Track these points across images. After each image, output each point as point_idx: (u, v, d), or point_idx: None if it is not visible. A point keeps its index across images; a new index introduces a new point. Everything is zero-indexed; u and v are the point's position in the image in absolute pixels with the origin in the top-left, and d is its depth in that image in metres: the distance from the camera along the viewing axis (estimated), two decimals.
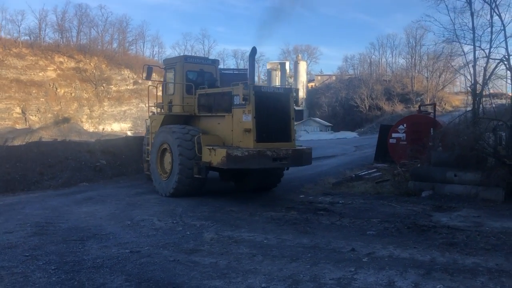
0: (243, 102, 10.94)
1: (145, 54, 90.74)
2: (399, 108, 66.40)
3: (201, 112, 12.65)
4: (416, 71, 76.46)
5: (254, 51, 11.87)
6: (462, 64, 14.54)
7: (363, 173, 15.39)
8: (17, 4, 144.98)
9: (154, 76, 20.61)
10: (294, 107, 11.89)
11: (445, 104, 63.70)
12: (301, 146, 12.15)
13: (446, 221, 9.01)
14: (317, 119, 72.73)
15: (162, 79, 14.73)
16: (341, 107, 78.22)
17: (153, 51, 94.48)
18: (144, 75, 13.29)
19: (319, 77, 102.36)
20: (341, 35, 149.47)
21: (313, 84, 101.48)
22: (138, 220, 8.50)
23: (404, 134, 17.44)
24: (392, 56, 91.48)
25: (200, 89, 12.78)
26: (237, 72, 21.13)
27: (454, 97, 68.89)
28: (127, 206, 9.88)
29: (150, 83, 14.41)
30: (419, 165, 12.86)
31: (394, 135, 17.78)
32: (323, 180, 14.73)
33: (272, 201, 11.05)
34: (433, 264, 6.16)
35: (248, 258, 6.31)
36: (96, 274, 5.47)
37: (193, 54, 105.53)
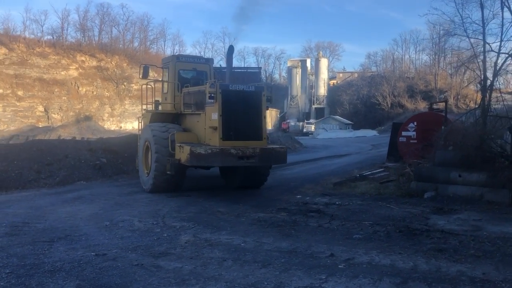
0: (211, 101, 11.15)
1: (166, 53, 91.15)
2: (422, 105, 65.00)
3: (186, 110, 12.81)
4: (439, 67, 74.71)
5: (231, 49, 12.00)
6: (470, 59, 13.78)
7: (368, 173, 14.89)
8: (41, 4, 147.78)
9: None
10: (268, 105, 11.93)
11: (469, 102, 62.08)
12: (275, 145, 11.98)
13: (442, 225, 8.52)
14: (337, 117, 71.86)
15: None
16: (363, 104, 77.24)
17: (173, 49, 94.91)
18: (141, 74, 13.40)
19: (340, 75, 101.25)
20: (365, 31, 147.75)
21: (334, 81, 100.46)
22: (118, 220, 8.29)
23: (414, 133, 16.87)
24: (416, 52, 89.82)
25: (184, 87, 12.87)
26: (250, 70, 21.01)
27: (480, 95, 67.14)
28: (114, 206, 9.69)
29: (145, 82, 14.21)
30: (424, 165, 12.33)
31: (404, 133, 17.22)
32: (326, 180, 14.29)
33: (265, 202, 10.71)
34: (413, 272, 5.74)
35: (216, 263, 6.00)
36: (50, 278, 5.24)
37: (213, 52, 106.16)
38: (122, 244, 6.84)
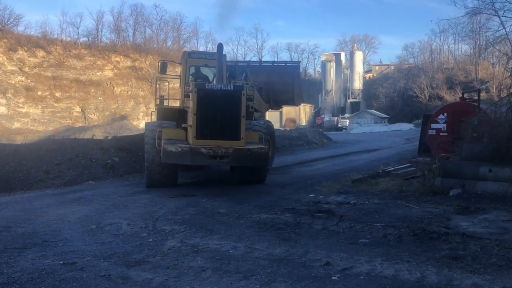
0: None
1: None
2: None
3: (185, 106, 12.72)
4: (481, 57, 71.44)
5: (220, 47, 12.14)
6: (500, 40, 12.50)
7: (392, 168, 13.88)
8: (76, 7, 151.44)
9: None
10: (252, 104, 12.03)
11: None
12: (254, 145, 11.60)
13: (465, 227, 7.56)
14: (372, 111, 70.06)
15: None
16: (400, 97, 75.04)
17: (206, 47, 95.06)
18: (159, 69, 13.66)
19: (376, 68, 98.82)
20: (402, 22, 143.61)
21: (370, 75, 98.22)
22: (105, 224, 7.75)
23: (445, 125, 15.71)
24: (455, 42, 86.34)
25: (188, 83, 12.79)
26: (289, 64, 20.40)
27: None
28: (110, 207, 9.18)
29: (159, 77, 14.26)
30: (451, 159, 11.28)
31: (433, 125, 16.08)
32: (346, 177, 13.41)
33: (273, 201, 9.97)
34: (418, 286, 4.90)
35: (193, 274, 5.34)
36: None
37: (246, 49, 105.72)
38: (99, 250, 6.28)
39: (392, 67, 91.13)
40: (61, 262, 5.71)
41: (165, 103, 14.16)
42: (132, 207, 9.22)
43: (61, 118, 67.20)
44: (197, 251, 6.31)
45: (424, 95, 67.81)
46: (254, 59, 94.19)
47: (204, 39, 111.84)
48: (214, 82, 13.08)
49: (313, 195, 10.78)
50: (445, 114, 15.72)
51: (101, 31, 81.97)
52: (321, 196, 10.56)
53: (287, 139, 23.85)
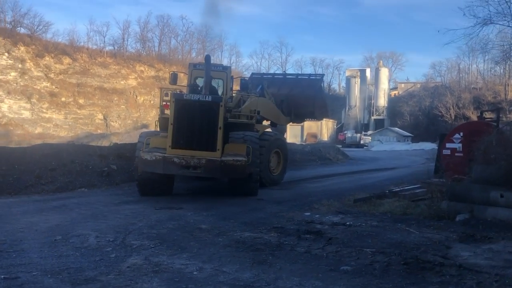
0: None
1: (223, 63, 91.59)
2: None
3: None
4: (510, 77, 69.50)
5: (207, 58, 12.49)
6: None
7: (400, 189, 13.06)
8: (104, 16, 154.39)
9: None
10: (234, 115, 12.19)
11: None
12: (231, 157, 11.36)
13: (465, 257, 6.77)
14: (396, 128, 68.62)
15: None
16: (425, 116, 73.42)
17: (230, 60, 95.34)
18: (170, 80, 14.18)
19: (402, 85, 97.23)
20: (430, 40, 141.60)
21: (396, 92, 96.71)
22: (73, 235, 7.26)
23: (460, 144, 14.74)
24: (484, 61, 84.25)
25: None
26: (313, 77, 20.01)
27: None
28: (87, 217, 8.71)
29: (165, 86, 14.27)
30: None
31: (448, 145, 15.13)
32: (352, 195, 12.64)
33: (263, 218, 9.34)
34: None
35: None
36: None
37: (269, 62, 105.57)
38: (52, 264, 5.77)
39: (418, 85, 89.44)
40: (2, 276, 5.20)
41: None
42: (110, 218, 8.71)
43: (83, 125, 67.89)
44: (158, 271, 5.73)
45: (450, 114, 66.10)
46: (278, 71, 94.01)
47: (228, 51, 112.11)
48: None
49: (308, 213, 10.09)
50: (461, 133, 14.78)
51: (127, 40, 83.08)
52: (317, 215, 9.86)
53: (298, 153, 23.14)
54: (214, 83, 14.18)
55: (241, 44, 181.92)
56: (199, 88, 13.51)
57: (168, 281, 5.38)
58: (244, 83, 16.77)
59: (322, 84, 20.81)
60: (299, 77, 20.99)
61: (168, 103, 11.86)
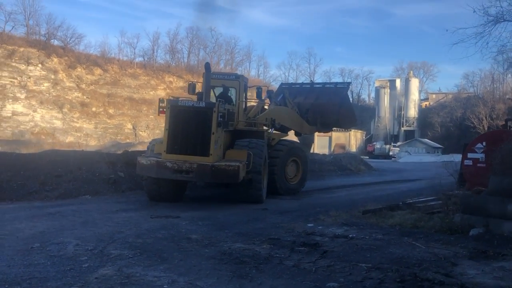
0: None
1: (251, 74, 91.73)
2: None
3: None
4: None
5: (207, 66, 12.65)
6: None
7: (414, 200, 12.34)
8: (135, 28, 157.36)
9: None
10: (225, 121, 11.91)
11: None
12: (225, 162, 11.54)
13: (472, 276, 6.14)
14: (425, 140, 66.88)
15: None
16: (456, 127, 71.30)
17: (258, 71, 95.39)
18: (189, 90, 14.93)
19: (434, 96, 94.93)
20: (463, 51, 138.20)
21: (427, 103, 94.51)
22: (53, 243, 6.97)
23: (483, 155, 13.92)
24: None
25: None
26: (339, 85, 19.67)
27: None
28: (75, 224, 8.44)
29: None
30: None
31: (470, 155, 14.32)
32: (363, 207, 12.01)
33: (261, 229, 8.87)
34: None
35: None
36: None
37: (297, 73, 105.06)
38: (16, 274, 5.47)
39: (450, 96, 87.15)
40: None
41: None
42: (100, 226, 8.41)
43: (113, 134, 68.85)
44: (127, 283, 5.35)
45: (483, 125, 63.91)
46: (305, 80, 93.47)
47: (256, 62, 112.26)
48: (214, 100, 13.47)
49: (311, 225, 9.56)
50: (484, 143, 13.96)
51: (157, 51, 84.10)
52: (320, 227, 9.31)
53: (317, 163, 22.51)
54: (225, 91, 14.55)
55: (269, 55, 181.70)
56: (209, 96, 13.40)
57: None
58: (268, 93, 17.50)
59: (347, 92, 20.29)
60: (326, 85, 20.57)
61: (164, 110, 11.96)
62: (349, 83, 22.58)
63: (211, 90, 14.18)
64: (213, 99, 14.12)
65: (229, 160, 11.73)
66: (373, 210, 11.06)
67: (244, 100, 14.58)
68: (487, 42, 12.18)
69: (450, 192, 14.70)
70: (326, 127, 20.10)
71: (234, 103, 14.32)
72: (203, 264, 6.25)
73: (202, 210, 10.85)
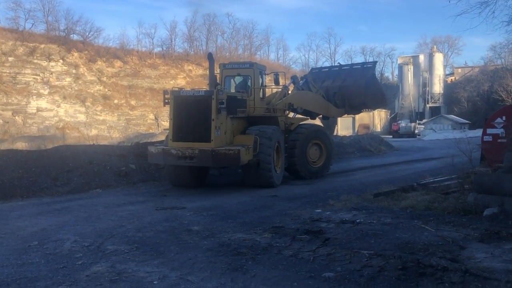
0: None
1: (270, 58, 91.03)
2: None
3: None
4: None
5: (210, 56, 13.37)
6: None
7: (430, 180, 11.95)
8: (152, 18, 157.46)
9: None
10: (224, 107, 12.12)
11: None
12: (225, 147, 11.98)
13: (479, 260, 5.84)
14: (451, 116, 65.21)
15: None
16: (483, 101, 69.11)
17: (277, 54, 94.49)
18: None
19: (459, 70, 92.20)
20: (490, 21, 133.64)
21: (452, 78, 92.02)
22: (51, 240, 6.96)
23: (503, 130, 13.39)
24: None
25: None
26: (366, 65, 19.34)
27: None
28: (77, 220, 8.41)
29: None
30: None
31: (489, 130, 13.80)
32: (377, 189, 11.68)
33: (266, 217, 8.70)
34: None
35: None
36: None
37: (317, 54, 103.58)
38: (8, 274, 5.46)
39: (477, 69, 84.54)
40: None
41: None
42: (103, 221, 8.37)
43: (136, 125, 69.48)
44: (117, 280, 5.26)
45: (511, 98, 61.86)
46: (326, 64, 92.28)
47: (275, 45, 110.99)
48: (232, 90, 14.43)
49: (319, 210, 9.32)
50: (504, 117, 13.40)
51: (175, 40, 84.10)
52: (328, 213, 9.07)
53: (335, 146, 22.12)
54: (242, 79, 14.99)
55: (287, 37, 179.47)
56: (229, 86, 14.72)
57: None
58: (293, 78, 17.93)
59: (374, 72, 19.88)
60: (353, 67, 20.20)
61: (168, 101, 12.39)
62: (375, 62, 22.05)
63: (232, 79, 15.00)
64: (234, 88, 14.86)
65: (231, 145, 12.22)
66: (385, 193, 10.74)
67: (260, 87, 14.62)
68: (493, 11, 11.52)
69: (471, 170, 14.28)
70: (354, 109, 19.78)
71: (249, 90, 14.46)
72: (198, 257, 6.12)
73: (210, 200, 10.73)
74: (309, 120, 17.62)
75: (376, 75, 22.69)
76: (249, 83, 14.50)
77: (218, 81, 14.38)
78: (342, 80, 18.47)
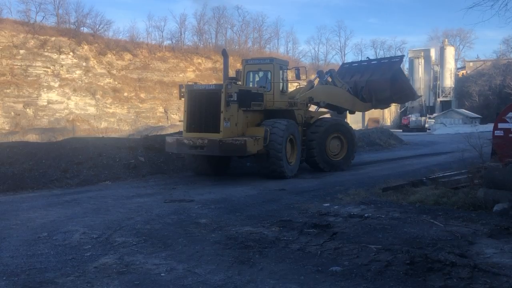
0: None
1: (280, 51, 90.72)
2: None
3: None
4: None
5: (224, 52, 13.85)
6: None
7: (439, 175, 11.86)
8: (161, 11, 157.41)
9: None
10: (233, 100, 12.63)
11: None
12: (232, 138, 12.54)
13: (489, 255, 5.80)
14: (461, 110, 64.58)
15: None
16: (495, 96, 68.52)
17: (287, 47, 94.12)
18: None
19: (471, 64, 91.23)
20: (504, 13, 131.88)
21: (464, 71, 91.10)
22: (61, 231, 7.01)
23: None
24: None
25: None
26: (393, 60, 19.33)
27: None
28: (86, 212, 8.46)
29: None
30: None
31: (501, 125, 13.56)
32: (386, 184, 11.62)
33: (274, 211, 8.69)
34: None
35: None
36: None
37: (326, 47, 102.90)
38: (17, 265, 5.51)
39: (489, 63, 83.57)
40: None
41: None
42: (111, 213, 8.42)
43: (145, 118, 69.75)
44: (125, 272, 5.30)
45: None
46: (336, 57, 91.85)
47: (284, 38, 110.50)
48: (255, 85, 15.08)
49: (327, 204, 9.30)
50: None
51: (184, 33, 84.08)
52: (336, 207, 9.05)
53: None
54: (263, 74, 15.33)
55: (297, 30, 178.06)
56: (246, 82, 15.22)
57: (127, 284, 4.93)
58: (318, 73, 18.52)
59: (400, 66, 19.90)
60: (381, 61, 20.15)
61: (183, 94, 13.19)
62: (402, 56, 22.04)
63: (256, 74, 15.43)
64: (256, 82, 15.40)
65: (240, 136, 12.90)
66: (394, 187, 10.68)
67: (280, 81, 14.91)
68: (505, 3, 11.33)
69: (482, 164, 14.14)
70: (382, 104, 19.77)
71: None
72: (206, 250, 6.14)
73: (218, 193, 10.74)
74: (333, 114, 18.32)
75: (401, 69, 22.61)
76: (269, 78, 14.80)
77: (240, 76, 15.19)
78: (369, 74, 18.61)
